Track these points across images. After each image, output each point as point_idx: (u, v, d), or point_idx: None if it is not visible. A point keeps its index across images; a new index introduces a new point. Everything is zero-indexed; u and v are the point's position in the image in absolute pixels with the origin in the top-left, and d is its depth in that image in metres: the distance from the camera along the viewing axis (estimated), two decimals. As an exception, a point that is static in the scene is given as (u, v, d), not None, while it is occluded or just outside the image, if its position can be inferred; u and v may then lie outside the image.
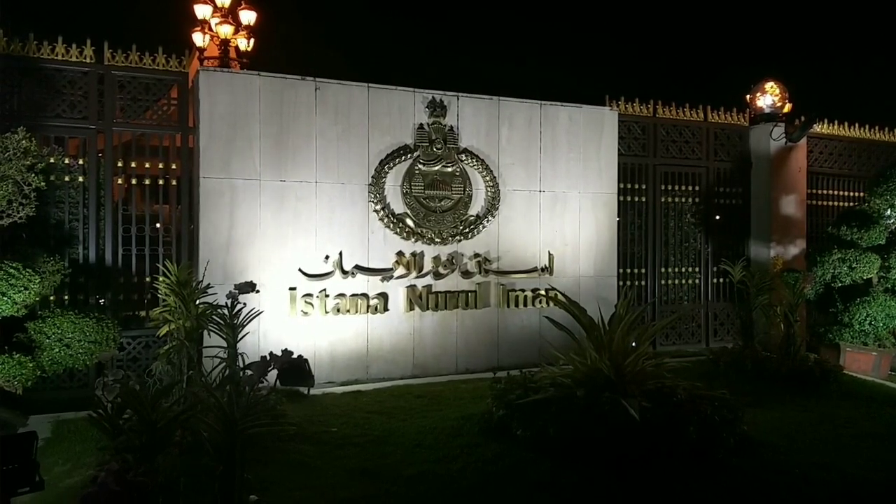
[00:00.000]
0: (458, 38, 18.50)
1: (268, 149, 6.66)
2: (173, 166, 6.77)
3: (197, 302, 5.18)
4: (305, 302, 6.66)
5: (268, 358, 3.04)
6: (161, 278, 5.30)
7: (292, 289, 6.61)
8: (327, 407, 5.57)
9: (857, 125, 10.21)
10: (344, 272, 6.83)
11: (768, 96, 9.48)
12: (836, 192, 10.04)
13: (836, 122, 10.02)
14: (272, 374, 5.59)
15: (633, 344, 4.88)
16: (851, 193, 10.02)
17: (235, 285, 4.83)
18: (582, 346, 4.90)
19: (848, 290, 7.82)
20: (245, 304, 5.17)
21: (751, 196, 9.46)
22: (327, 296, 6.75)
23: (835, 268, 7.74)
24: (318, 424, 4.97)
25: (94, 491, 2.78)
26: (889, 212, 7.88)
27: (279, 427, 3.72)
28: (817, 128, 9.68)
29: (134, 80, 6.62)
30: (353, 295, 6.87)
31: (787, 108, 9.51)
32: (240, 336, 4.91)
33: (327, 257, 6.80)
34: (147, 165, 6.73)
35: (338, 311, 6.78)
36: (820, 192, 9.91)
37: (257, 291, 5.06)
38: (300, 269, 6.67)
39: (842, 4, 20.52)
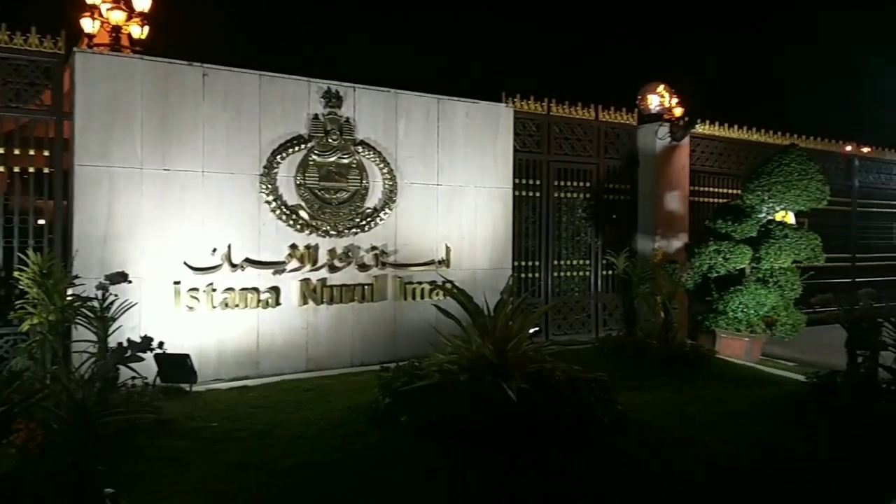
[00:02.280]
0: (361, 31, 18.43)
1: (151, 136, 6.36)
2: (45, 153, 6.36)
3: (68, 295, 4.89)
4: (191, 296, 6.41)
5: (125, 345, 2.89)
6: (22, 269, 4.95)
7: (177, 283, 6.35)
8: (210, 403, 5.39)
9: (735, 126, 10.91)
10: (233, 265, 6.63)
11: (655, 97, 9.94)
12: (716, 189, 10.67)
13: (716, 123, 10.66)
14: (153, 371, 5.40)
15: (533, 331, 5.01)
16: (730, 190, 10.66)
17: (106, 276, 4.59)
18: (468, 334, 4.98)
19: (723, 280, 8.33)
20: (117, 296, 4.92)
21: (638, 192, 9.91)
22: (214, 290, 6.52)
23: (711, 259, 8.23)
24: (198, 420, 4.81)
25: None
26: (761, 206, 8.45)
27: (135, 415, 3.56)
28: (699, 128, 10.26)
29: (2, 62, 6.16)
30: (242, 289, 6.68)
31: (679, 111, 9.98)
32: (112, 329, 4.67)
33: (215, 250, 6.57)
34: (17, 152, 6.28)
35: (226, 305, 6.57)
36: (701, 188, 10.50)
37: (129, 282, 4.81)
38: (185, 263, 6.41)
39: (730, 14, 21.89)
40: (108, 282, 4.51)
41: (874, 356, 5.50)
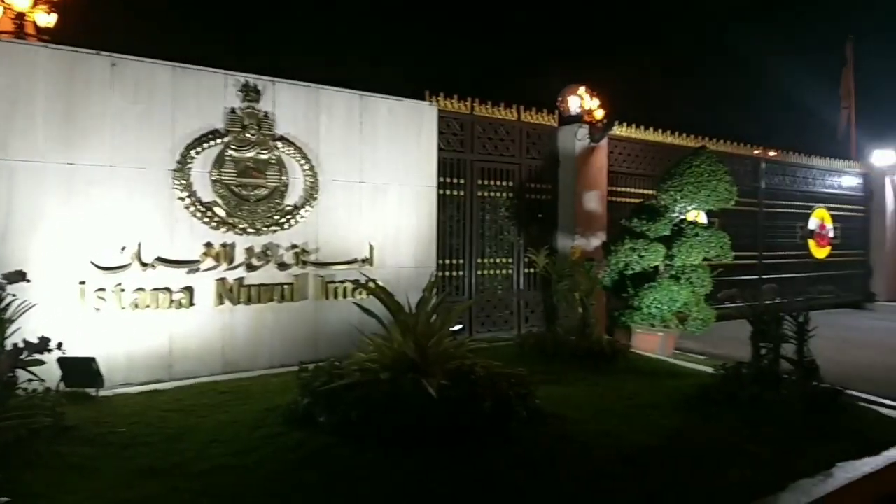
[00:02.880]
0: (291, 27, 18.11)
1: (55, 128, 6.02)
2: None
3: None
4: (98, 297, 6.10)
5: (21, 346, 2.71)
6: None
7: (82, 283, 6.03)
8: (117, 408, 5.13)
9: (651, 129, 11.33)
10: (143, 264, 6.35)
11: (576, 99, 10.21)
12: (632, 190, 11.04)
13: (633, 125, 11.04)
14: (56, 375, 5.10)
15: (457, 328, 5.02)
16: (646, 191, 11.05)
17: (3, 275, 4.31)
18: (390, 332, 4.96)
19: (638, 277, 8.62)
20: (16, 296, 4.62)
21: (559, 192, 10.13)
22: (123, 290, 6.23)
23: (627, 256, 8.51)
24: (105, 425, 4.57)
25: None
26: (674, 206, 8.80)
27: (35, 420, 3.35)
28: (617, 130, 10.59)
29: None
30: (154, 289, 6.40)
31: (599, 113, 10.24)
32: (10, 332, 4.38)
33: (124, 248, 6.28)
34: None
35: (136, 306, 6.29)
36: (619, 189, 10.85)
37: (28, 281, 4.53)
38: (92, 262, 6.10)
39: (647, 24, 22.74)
40: (5, 281, 4.23)
41: (776, 348, 5.81)
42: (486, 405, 4.31)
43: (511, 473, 3.85)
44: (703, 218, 9.99)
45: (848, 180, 15.65)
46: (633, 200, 10.90)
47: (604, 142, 10.20)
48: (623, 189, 10.93)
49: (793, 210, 14.29)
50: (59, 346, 4.30)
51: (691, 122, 12.37)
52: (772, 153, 13.83)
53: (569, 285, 7.91)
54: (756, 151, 13.45)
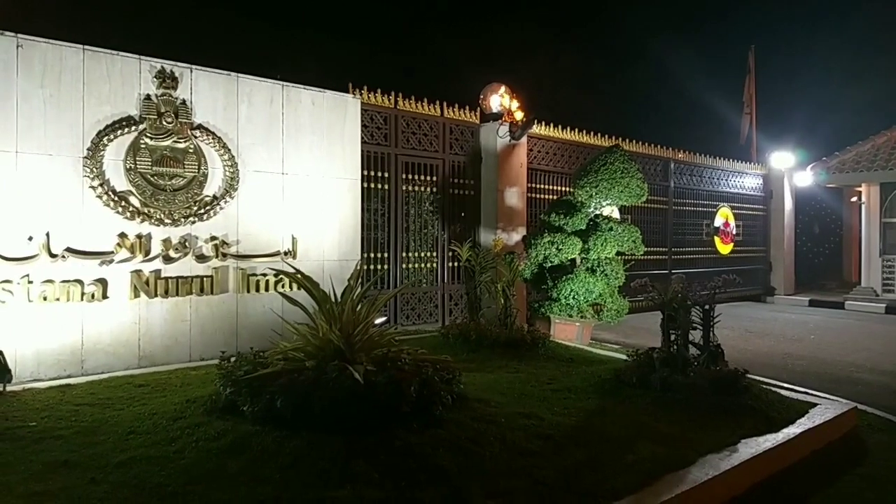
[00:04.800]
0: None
1: (-48, 111, 5.68)
2: None
3: None
4: (3, 289, 5.80)
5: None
6: None
7: (-15, 274, 5.72)
8: (27, 402, 4.90)
9: (568, 129, 11.72)
10: (52, 255, 6.07)
11: (497, 98, 10.43)
12: (551, 187, 11.40)
13: (552, 125, 11.39)
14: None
15: (381, 320, 5.04)
16: (563, 188, 11.44)
17: None
18: (315, 321, 4.94)
19: (556, 270, 8.93)
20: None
21: (481, 187, 10.33)
22: (31, 282, 5.94)
23: (546, 249, 8.79)
24: (14, 420, 4.36)
25: None
26: (589, 202, 9.15)
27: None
28: (536, 129, 10.90)
29: None
30: (64, 281, 6.14)
31: (519, 113, 10.48)
32: None
33: (31, 238, 5.99)
34: None
35: (45, 298, 6.01)
36: (538, 185, 11.18)
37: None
38: (-4, 252, 5.80)
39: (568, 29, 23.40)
40: None
41: (685, 334, 6.15)
42: (412, 390, 4.37)
43: (436, 454, 3.93)
44: (616, 214, 10.43)
45: (750, 181, 16.67)
46: (550, 197, 11.25)
47: (523, 140, 10.48)
48: (541, 186, 11.26)
49: (700, 208, 15.11)
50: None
51: (605, 122, 12.90)
52: (681, 154, 14.56)
53: (491, 277, 8.10)
54: (666, 153, 14.13)
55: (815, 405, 5.78)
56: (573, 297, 8.63)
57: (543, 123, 11.20)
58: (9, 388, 5.28)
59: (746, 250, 16.45)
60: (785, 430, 5.03)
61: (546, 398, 5.46)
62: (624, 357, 6.92)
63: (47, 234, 6.07)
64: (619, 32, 24.20)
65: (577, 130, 11.87)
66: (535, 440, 4.36)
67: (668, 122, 22.81)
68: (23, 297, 5.90)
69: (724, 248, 15.73)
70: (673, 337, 6.19)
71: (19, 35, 6.06)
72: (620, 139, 12.47)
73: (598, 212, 9.23)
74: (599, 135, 12.23)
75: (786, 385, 6.61)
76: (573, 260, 8.97)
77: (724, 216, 15.70)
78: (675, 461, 4.20)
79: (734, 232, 16.00)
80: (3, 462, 3.64)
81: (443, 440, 4.10)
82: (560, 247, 8.74)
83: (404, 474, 3.69)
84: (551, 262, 8.89)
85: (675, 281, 6.69)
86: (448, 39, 21.76)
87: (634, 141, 13.16)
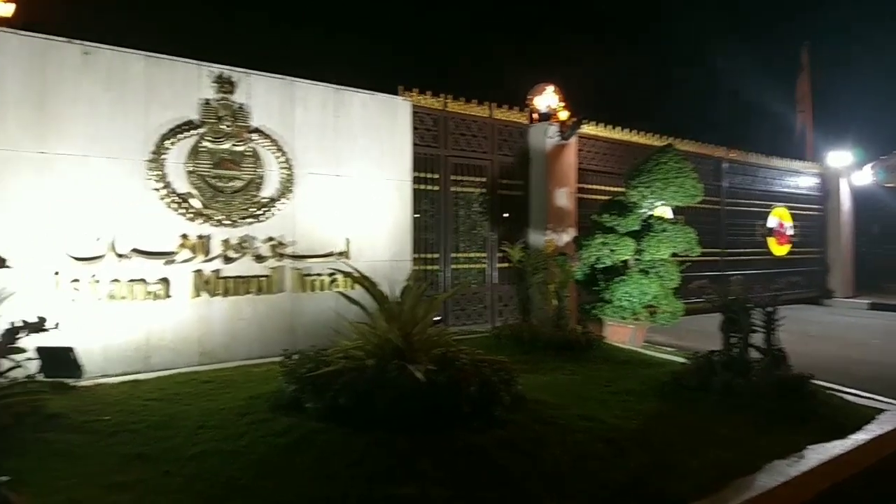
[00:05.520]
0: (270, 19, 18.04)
1: (26, 117, 5.92)
2: None
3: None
4: (73, 288, 6.02)
5: (18, 326, 2.69)
6: None
7: (57, 273, 5.94)
8: (100, 397, 5.07)
9: (619, 128, 11.57)
10: (119, 255, 6.28)
11: (546, 98, 10.38)
12: (601, 187, 11.26)
13: (602, 124, 11.27)
14: (33, 364, 5.01)
15: (436, 319, 5.06)
16: (614, 189, 11.29)
17: (-19, 261, 4.23)
18: (374, 320, 5.00)
19: (609, 271, 8.81)
20: (-6, 284, 4.55)
21: (530, 188, 10.28)
22: (98, 281, 6.15)
23: (598, 251, 8.69)
24: (89, 414, 4.52)
25: None
26: (642, 202, 9.00)
27: (17, 407, 3.30)
28: (586, 128, 10.80)
29: None
30: (129, 280, 6.34)
31: (564, 114, 10.41)
32: (-10, 319, 4.29)
33: (99, 239, 6.20)
34: None
35: (112, 297, 6.21)
36: (588, 186, 11.06)
37: (9, 267, 4.45)
38: (67, 252, 6.01)
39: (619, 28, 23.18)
40: (-18, 267, 4.15)
41: (745, 337, 6.01)
42: (472, 390, 4.39)
43: (498, 455, 3.93)
44: (669, 214, 10.25)
45: (805, 180, 16.20)
46: (600, 197, 11.11)
47: (573, 140, 10.39)
48: (591, 186, 11.13)
49: (753, 208, 14.74)
50: (57, 325, 4.21)
51: (657, 122, 12.69)
52: (733, 153, 14.24)
53: (543, 278, 8.05)
54: (718, 151, 13.83)
55: (882, 411, 5.60)
56: (627, 299, 8.51)
57: (594, 123, 11.09)
58: (81, 383, 5.47)
59: (802, 251, 15.98)
60: (853, 437, 4.89)
61: (605, 400, 5.40)
62: (681, 360, 6.79)
63: (114, 235, 6.27)
64: (672, 32, 23.80)
65: (626, 129, 11.72)
66: (597, 443, 4.32)
67: (721, 121, 22.34)
68: (91, 296, 6.11)
69: (779, 250, 15.31)
70: (734, 340, 6.07)
71: (86, 43, 6.28)
72: (671, 138, 12.25)
73: (650, 212, 9.08)
74: (650, 134, 12.04)
75: (850, 391, 6.39)
76: (626, 261, 8.84)
77: (778, 216, 15.28)
78: (741, 467, 4.11)
79: (789, 233, 15.56)
80: (82, 454, 3.78)
81: (505, 441, 4.10)
82: (613, 248, 8.63)
83: (468, 474, 3.70)
84: (603, 263, 8.78)
85: (735, 283, 6.56)
86: (498, 43, 21.78)
87: (685, 140, 12.92)
